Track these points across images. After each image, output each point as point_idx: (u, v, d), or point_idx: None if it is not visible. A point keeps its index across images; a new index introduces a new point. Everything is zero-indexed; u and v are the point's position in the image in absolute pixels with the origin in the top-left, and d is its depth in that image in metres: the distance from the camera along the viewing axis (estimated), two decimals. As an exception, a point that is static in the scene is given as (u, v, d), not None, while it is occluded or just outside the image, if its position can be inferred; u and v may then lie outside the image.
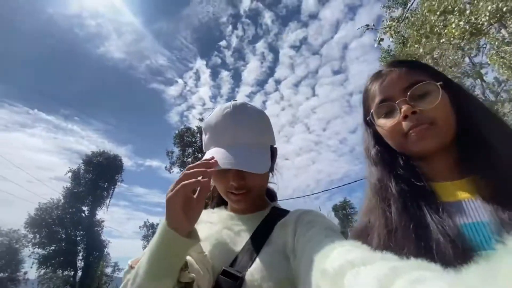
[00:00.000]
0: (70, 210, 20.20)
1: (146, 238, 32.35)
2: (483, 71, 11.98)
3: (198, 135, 28.96)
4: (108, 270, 28.19)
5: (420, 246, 0.47)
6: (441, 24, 5.87)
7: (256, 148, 0.69)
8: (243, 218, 0.75)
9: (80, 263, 20.33)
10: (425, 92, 0.56)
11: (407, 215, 0.52)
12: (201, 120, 31.14)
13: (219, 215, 0.79)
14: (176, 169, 29.34)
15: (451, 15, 5.46)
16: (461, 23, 5.18)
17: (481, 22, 5.10)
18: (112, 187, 23.15)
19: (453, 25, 5.20)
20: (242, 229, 0.72)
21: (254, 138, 0.71)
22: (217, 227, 0.74)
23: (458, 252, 0.43)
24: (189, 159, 28.53)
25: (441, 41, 6.28)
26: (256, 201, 0.78)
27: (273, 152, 0.79)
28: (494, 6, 4.65)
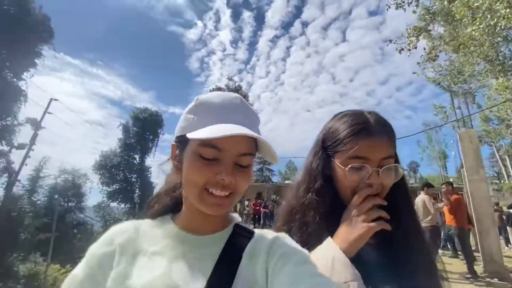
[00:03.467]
0: (125, 157, 25.29)
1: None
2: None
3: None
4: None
5: None
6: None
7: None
8: (201, 241, 0.55)
9: (137, 199, 25.81)
10: (390, 169, 0.65)
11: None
12: (229, 79, 31.85)
13: (164, 232, 0.57)
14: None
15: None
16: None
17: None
18: (156, 139, 27.38)
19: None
20: (201, 257, 0.52)
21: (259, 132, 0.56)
22: (164, 260, 0.51)
23: None
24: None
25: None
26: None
27: None
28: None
